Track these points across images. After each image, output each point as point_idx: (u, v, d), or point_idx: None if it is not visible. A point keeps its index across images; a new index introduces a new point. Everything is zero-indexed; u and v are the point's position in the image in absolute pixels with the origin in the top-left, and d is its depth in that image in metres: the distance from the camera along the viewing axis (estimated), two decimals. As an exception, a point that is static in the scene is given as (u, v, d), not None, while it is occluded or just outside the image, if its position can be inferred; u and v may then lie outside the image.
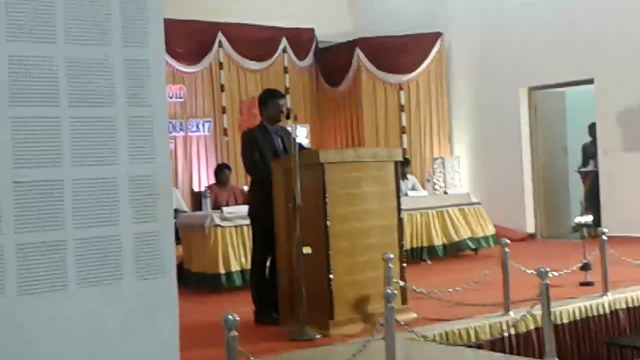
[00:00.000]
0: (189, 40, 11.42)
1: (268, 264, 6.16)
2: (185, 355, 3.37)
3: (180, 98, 11.46)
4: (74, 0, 2.96)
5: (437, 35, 12.78)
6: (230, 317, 3.77)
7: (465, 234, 9.68)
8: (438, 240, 9.55)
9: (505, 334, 5.66)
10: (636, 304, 6.70)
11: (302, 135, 12.07)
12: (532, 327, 5.81)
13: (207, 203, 8.70)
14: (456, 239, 9.61)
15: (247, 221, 6.81)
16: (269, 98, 6.26)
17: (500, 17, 11.95)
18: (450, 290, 6.14)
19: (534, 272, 5.03)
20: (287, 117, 6.15)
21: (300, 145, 5.83)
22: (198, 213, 8.74)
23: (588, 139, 11.35)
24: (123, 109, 3.12)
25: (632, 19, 10.31)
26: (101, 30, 3.06)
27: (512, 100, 12.11)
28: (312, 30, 12.96)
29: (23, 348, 2.87)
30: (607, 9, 10.55)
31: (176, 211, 8.42)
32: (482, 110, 12.62)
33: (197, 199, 9.92)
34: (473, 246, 9.72)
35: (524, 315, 5.59)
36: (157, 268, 3.20)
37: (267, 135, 6.19)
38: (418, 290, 5.90)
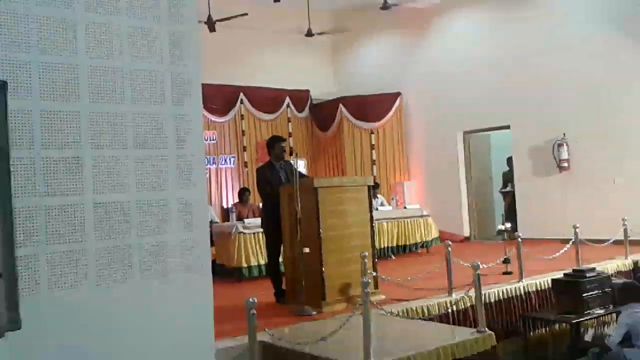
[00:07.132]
0: (219, 98, 11.95)
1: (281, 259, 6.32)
2: (217, 328, 3.47)
3: (213, 140, 11.89)
4: (138, 68, 3.09)
5: (398, 94, 13.13)
6: (250, 300, 3.99)
7: (420, 237, 10.24)
8: (399, 242, 10.04)
9: (449, 310, 5.81)
10: (544, 288, 6.88)
11: (301, 167, 12.19)
12: (468, 305, 5.95)
13: (233, 217, 9.31)
14: (412, 241, 10.16)
15: (262, 230, 7.17)
16: (275, 142, 6.44)
17: (444, 80, 12.42)
18: (409, 278, 6.32)
19: (469, 265, 5.11)
20: (290, 155, 6.24)
21: (300, 174, 5.87)
22: (226, 224, 9.10)
23: (507, 168, 12.01)
24: (173, 151, 3.13)
25: (536, 82, 10.76)
26: (158, 94, 3.09)
27: (452, 141, 12.39)
28: (308, 91, 13.49)
29: (104, 328, 2.99)
30: (520, 76, 10.96)
31: (211, 223, 8.68)
32: (430, 148, 12.76)
33: (226, 214, 10.72)
34: (425, 246, 10.32)
35: (462, 297, 5.73)
36: (197, 264, 3.21)
37: (274, 170, 6.34)
38: (386, 279, 6.07)
